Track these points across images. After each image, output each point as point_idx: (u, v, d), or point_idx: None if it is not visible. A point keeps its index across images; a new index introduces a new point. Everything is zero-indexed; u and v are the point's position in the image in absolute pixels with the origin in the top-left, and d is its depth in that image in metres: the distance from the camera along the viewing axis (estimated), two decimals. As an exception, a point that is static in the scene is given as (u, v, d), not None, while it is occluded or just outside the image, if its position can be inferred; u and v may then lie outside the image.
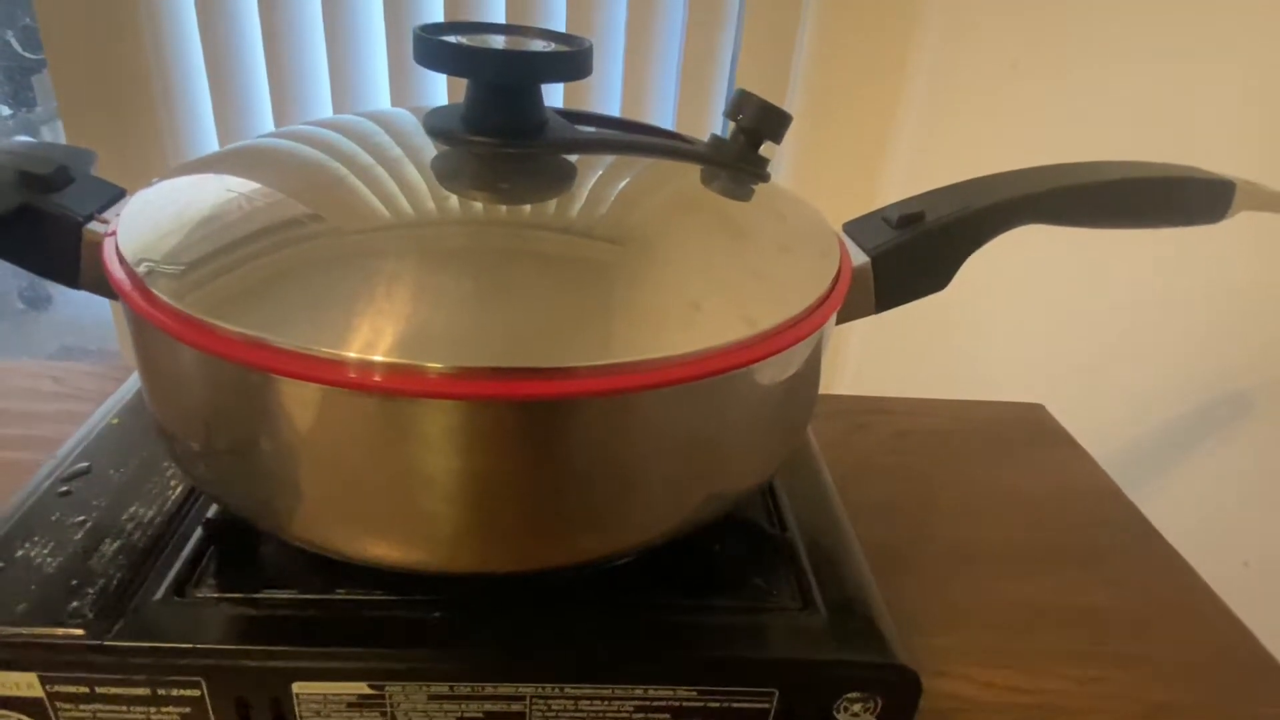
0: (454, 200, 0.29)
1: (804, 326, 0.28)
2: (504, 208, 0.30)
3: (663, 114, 1.08)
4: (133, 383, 0.42)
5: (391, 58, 1.03)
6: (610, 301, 0.27)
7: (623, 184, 0.31)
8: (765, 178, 0.35)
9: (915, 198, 0.35)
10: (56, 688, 0.27)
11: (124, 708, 0.28)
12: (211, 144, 1.09)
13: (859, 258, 0.33)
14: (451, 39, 0.30)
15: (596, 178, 0.31)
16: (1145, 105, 0.65)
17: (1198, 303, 0.59)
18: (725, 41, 1.04)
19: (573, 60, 0.30)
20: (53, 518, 0.32)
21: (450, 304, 0.25)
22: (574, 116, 0.34)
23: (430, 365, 0.23)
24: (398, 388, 0.23)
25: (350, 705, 0.28)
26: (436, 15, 1.02)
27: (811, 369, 0.31)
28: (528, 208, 0.30)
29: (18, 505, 0.33)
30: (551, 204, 0.30)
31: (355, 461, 0.25)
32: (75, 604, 0.28)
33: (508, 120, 0.31)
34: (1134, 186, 0.37)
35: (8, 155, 0.30)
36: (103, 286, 0.29)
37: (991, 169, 0.36)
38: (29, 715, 0.28)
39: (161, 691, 0.28)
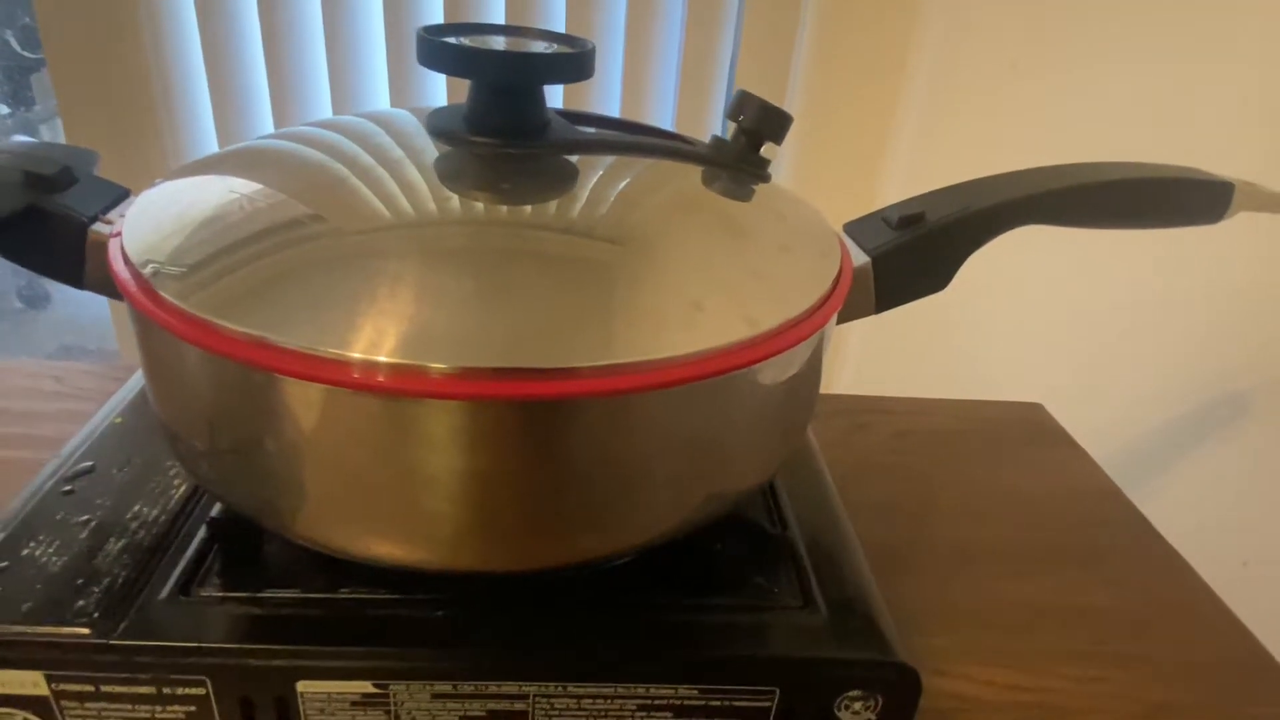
0: (456, 201, 0.29)
1: (805, 327, 0.28)
2: (506, 208, 0.30)
3: (662, 114, 1.08)
4: (135, 382, 0.42)
5: (391, 58, 1.03)
6: (612, 302, 0.27)
7: (624, 185, 0.31)
8: (766, 178, 0.35)
9: (915, 198, 0.35)
10: (62, 686, 0.28)
11: (129, 706, 0.28)
12: (211, 144, 1.09)
13: (859, 258, 0.33)
14: (454, 40, 0.30)
15: (598, 178, 0.31)
16: (1145, 105, 0.65)
17: (1198, 303, 0.59)
18: (725, 41, 1.04)
19: (575, 61, 0.30)
20: (57, 517, 0.32)
21: (452, 304, 0.26)
22: (575, 117, 0.34)
23: (433, 365, 0.23)
24: (400, 388, 0.23)
25: (354, 704, 0.28)
26: (436, 16, 1.02)
27: (812, 369, 0.31)
28: (530, 208, 0.30)
29: (22, 504, 0.33)
30: (553, 204, 0.30)
31: (358, 461, 0.25)
32: (80, 603, 0.29)
33: (510, 121, 0.32)
34: (1133, 187, 0.37)
35: (12, 156, 0.30)
36: (107, 287, 0.29)
37: (991, 169, 0.36)
38: (34, 714, 0.28)
39: (166, 690, 0.28)
